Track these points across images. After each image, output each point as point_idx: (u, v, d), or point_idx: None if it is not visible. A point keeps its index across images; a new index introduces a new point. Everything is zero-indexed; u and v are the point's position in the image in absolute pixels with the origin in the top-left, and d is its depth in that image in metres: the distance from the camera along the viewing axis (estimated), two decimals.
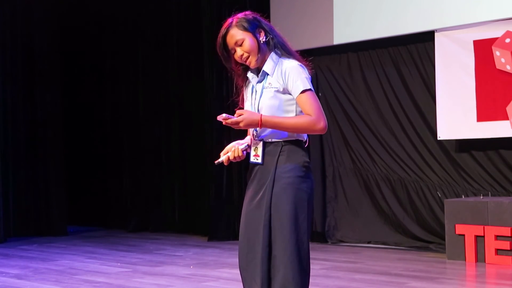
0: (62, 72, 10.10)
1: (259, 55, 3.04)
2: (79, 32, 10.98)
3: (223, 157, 3.07)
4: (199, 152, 9.24)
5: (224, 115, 2.94)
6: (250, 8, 8.34)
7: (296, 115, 3.01)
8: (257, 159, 3.06)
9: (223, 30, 3.07)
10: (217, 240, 8.61)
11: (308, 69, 3.09)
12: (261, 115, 2.97)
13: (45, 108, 9.70)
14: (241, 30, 3.03)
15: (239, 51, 3.05)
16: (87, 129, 11.08)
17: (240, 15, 3.09)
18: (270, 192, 2.99)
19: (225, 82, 8.76)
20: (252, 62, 3.04)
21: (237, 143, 3.11)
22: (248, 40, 3.02)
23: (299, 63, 3.05)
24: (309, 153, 8.16)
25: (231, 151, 3.07)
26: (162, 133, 9.97)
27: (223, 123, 2.98)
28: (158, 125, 9.99)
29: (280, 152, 3.02)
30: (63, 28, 10.32)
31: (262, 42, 3.05)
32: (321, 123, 2.96)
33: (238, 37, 3.03)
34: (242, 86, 3.21)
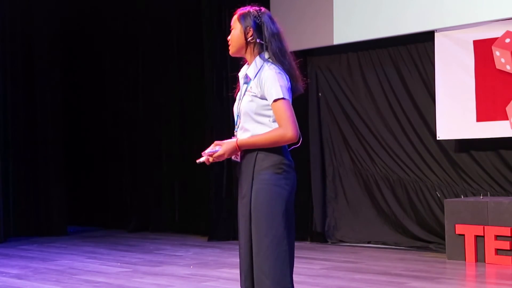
0: (62, 72, 10.09)
1: (238, 47, 3.23)
2: (79, 32, 10.98)
3: (203, 158, 3.23)
4: (199, 152, 9.21)
5: (206, 151, 3.17)
6: None
7: (273, 120, 3.10)
8: (237, 158, 3.21)
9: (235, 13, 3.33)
10: (217, 240, 8.61)
11: (300, 83, 3.20)
12: (236, 140, 3.13)
13: (45, 108, 9.70)
14: (238, 20, 3.24)
15: (230, 36, 3.28)
16: (87, 129, 11.08)
17: (251, 8, 3.27)
18: (250, 189, 3.11)
19: (225, 82, 8.75)
20: (230, 49, 3.28)
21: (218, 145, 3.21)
22: (235, 31, 3.24)
23: (279, 71, 3.10)
24: (308, 153, 8.28)
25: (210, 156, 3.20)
26: (162, 133, 9.97)
27: (209, 160, 3.19)
28: (158, 125, 9.99)
29: (258, 151, 3.11)
30: (63, 28, 10.31)
31: (247, 40, 3.21)
32: (289, 134, 3.05)
33: (233, 25, 3.26)
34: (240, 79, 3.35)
